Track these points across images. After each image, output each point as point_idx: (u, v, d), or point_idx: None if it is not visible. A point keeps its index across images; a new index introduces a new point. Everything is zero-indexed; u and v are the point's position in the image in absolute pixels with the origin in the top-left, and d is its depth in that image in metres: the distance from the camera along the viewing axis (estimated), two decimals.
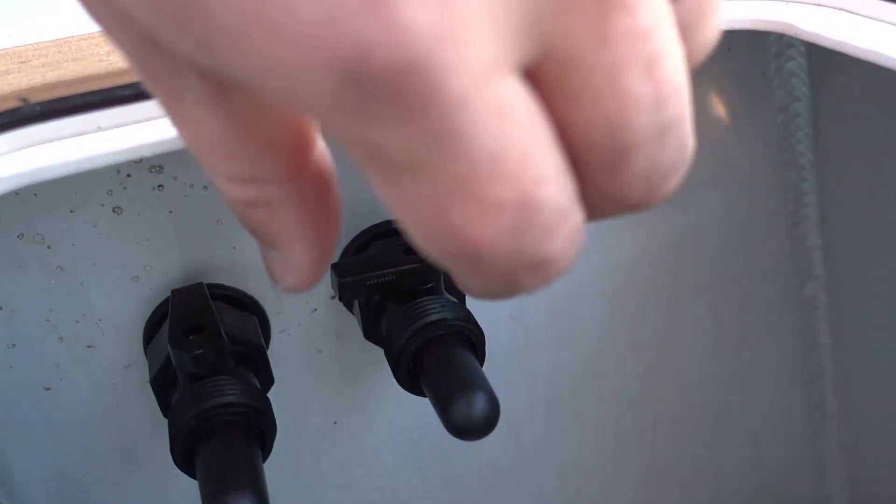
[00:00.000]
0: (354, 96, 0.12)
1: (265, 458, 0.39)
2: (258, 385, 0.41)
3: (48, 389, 0.44)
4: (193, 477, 0.37)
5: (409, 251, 0.42)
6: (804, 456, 0.67)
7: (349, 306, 0.47)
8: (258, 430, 0.38)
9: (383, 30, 0.11)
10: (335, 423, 0.51)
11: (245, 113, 0.16)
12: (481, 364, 0.41)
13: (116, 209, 0.41)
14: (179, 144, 0.34)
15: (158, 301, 0.43)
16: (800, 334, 0.62)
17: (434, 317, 0.40)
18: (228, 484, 0.34)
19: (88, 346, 0.43)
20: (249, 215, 0.21)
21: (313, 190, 0.20)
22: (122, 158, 0.31)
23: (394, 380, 0.43)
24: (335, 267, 0.46)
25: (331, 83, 0.11)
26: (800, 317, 0.61)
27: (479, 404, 0.35)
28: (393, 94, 0.11)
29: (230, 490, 0.34)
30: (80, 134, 0.31)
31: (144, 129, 0.32)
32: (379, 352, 0.44)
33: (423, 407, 0.41)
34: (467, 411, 0.35)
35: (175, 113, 0.17)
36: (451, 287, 0.43)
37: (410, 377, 0.41)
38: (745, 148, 0.54)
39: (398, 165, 0.13)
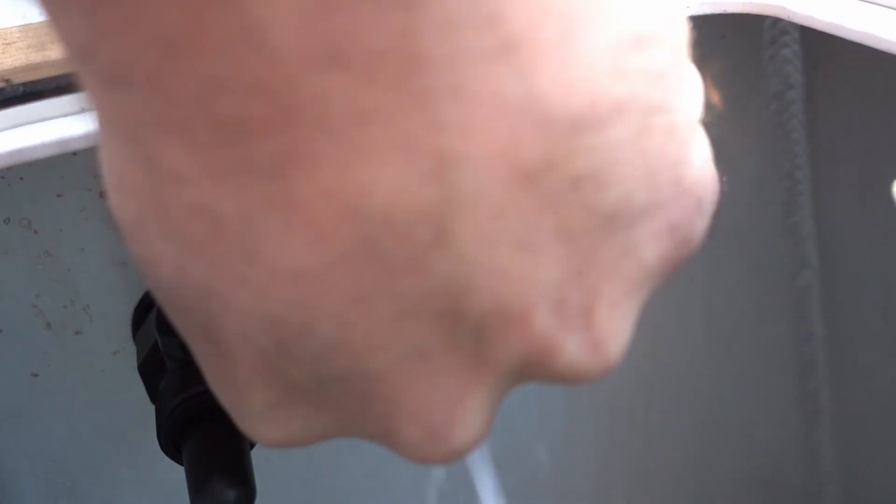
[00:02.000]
0: None
1: (253, 445, 0.39)
2: None
3: (35, 376, 0.43)
4: (181, 463, 0.37)
5: None
6: (796, 448, 0.67)
7: None
8: None
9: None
10: None
11: None
12: None
13: (104, 194, 0.40)
14: None
15: (146, 288, 0.43)
16: (793, 325, 0.62)
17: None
18: (214, 470, 0.34)
19: (76, 333, 0.43)
20: None
21: None
22: None
23: None
24: None
25: None
26: (793, 307, 0.61)
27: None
28: None
29: (216, 476, 0.33)
30: (64, 115, 0.31)
31: None
32: None
33: None
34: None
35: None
36: None
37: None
38: (739, 136, 0.54)
39: None
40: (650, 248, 0.15)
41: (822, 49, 0.50)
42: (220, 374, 0.16)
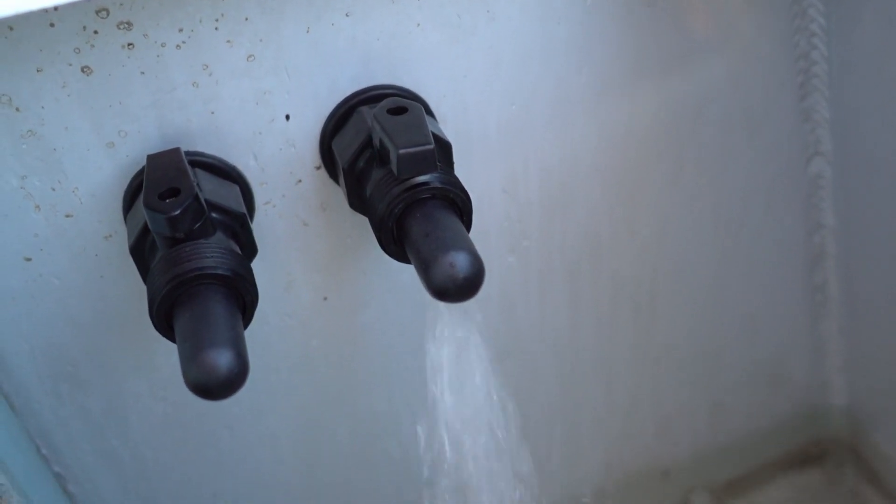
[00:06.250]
0: None
1: (246, 324, 0.38)
2: (240, 252, 0.40)
3: (28, 260, 0.43)
4: (174, 341, 0.37)
5: (397, 111, 0.40)
6: (803, 339, 0.66)
7: (334, 177, 0.46)
8: (238, 294, 0.37)
9: None
10: (325, 298, 0.50)
11: None
12: (468, 230, 0.40)
13: (85, 69, 0.39)
14: None
15: (136, 169, 0.42)
16: (804, 214, 0.60)
17: (417, 180, 0.38)
18: (206, 342, 0.33)
19: (67, 216, 0.42)
20: None
21: None
22: None
23: (384, 256, 0.42)
24: (323, 133, 0.44)
25: None
26: (804, 196, 0.59)
27: (461, 265, 0.34)
28: None
29: (208, 347, 0.33)
30: None
31: None
32: (367, 227, 0.43)
33: (413, 284, 0.40)
34: (449, 272, 0.34)
35: None
36: (441, 155, 0.42)
37: (395, 243, 0.40)
38: (754, 11, 0.51)
39: None
40: None
41: None
42: None
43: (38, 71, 0.38)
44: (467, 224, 0.40)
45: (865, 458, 0.68)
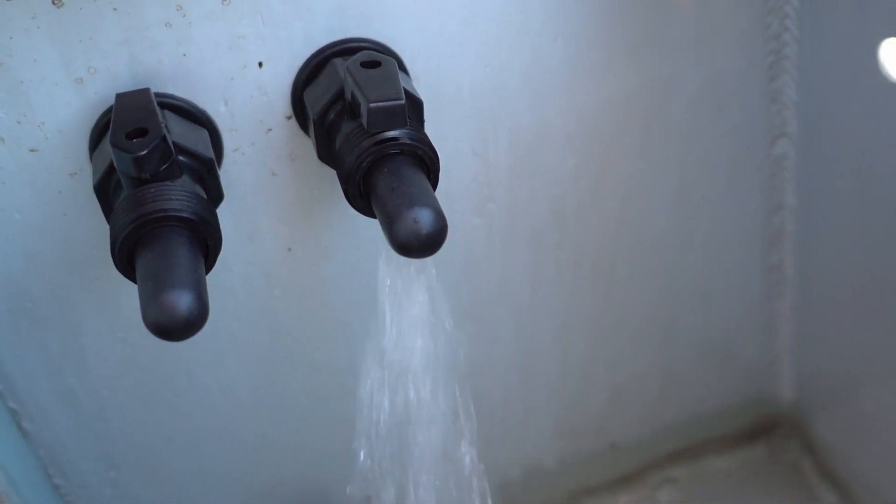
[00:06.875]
0: None
1: (209, 270, 0.39)
2: (205, 197, 0.40)
3: None
4: (135, 281, 0.37)
5: (371, 65, 0.40)
6: (756, 317, 0.68)
7: (305, 128, 0.46)
8: (202, 239, 0.38)
9: None
10: (289, 249, 0.50)
11: None
12: (434, 188, 0.40)
13: (56, 1, 0.38)
14: None
15: (104, 107, 0.42)
16: (765, 194, 0.61)
17: (386, 135, 0.38)
18: (167, 283, 0.33)
19: (31, 150, 0.42)
20: None
21: None
22: None
23: (351, 210, 0.42)
24: (296, 83, 0.44)
25: None
26: (767, 176, 0.61)
27: (424, 221, 0.35)
28: None
29: (169, 288, 0.33)
30: None
31: None
32: (335, 179, 0.43)
33: (378, 240, 0.41)
34: (412, 227, 0.35)
35: None
36: (412, 112, 0.42)
37: (361, 197, 0.40)
38: None
39: None
40: None
41: None
42: None
43: (6, 0, 0.38)
44: (434, 182, 0.40)
45: (808, 436, 0.70)
